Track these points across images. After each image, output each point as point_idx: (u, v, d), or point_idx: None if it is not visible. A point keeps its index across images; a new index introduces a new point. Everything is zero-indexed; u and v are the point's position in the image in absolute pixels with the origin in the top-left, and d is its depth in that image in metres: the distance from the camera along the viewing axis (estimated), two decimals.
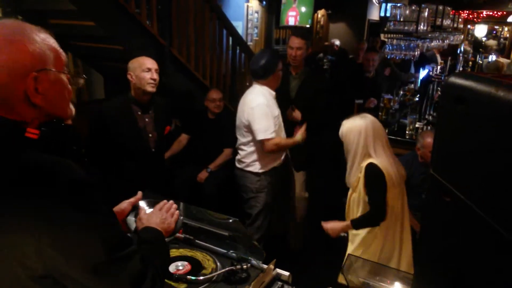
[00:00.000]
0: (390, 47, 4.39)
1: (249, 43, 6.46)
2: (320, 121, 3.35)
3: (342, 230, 2.45)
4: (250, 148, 2.87)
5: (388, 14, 8.92)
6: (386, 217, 2.27)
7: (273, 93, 2.88)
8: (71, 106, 1.05)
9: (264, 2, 7.23)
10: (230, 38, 4.69)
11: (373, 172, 2.23)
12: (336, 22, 9.70)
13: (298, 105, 3.27)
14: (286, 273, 1.74)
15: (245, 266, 1.73)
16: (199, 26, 4.19)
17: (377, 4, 8.58)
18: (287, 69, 3.37)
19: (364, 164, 2.27)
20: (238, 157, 3.00)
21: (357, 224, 2.35)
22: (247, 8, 6.84)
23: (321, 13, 9.31)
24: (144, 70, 2.53)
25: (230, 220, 2.06)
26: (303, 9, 8.18)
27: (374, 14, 10.16)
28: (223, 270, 1.70)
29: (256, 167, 2.89)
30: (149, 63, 2.57)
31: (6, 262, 0.89)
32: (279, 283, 1.70)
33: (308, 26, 8.65)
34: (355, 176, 2.34)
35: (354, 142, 2.28)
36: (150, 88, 2.56)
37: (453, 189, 0.69)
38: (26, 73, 0.90)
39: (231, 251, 1.87)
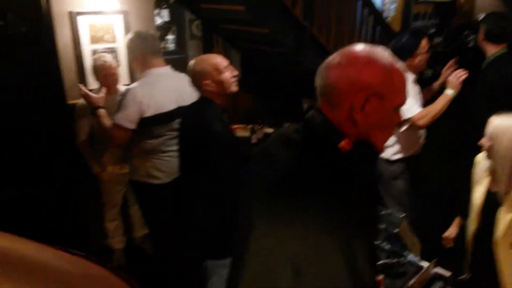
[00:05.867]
0: None
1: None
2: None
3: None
4: None
5: None
6: None
7: (413, 76, 2.71)
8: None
9: None
10: (371, 17, 4.49)
11: None
12: None
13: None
14: (447, 273, 1.67)
15: (401, 261, 1.70)
16: (341, 4, 4.09)
17: None
18: None
19: None
20: None
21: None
22: None
23: None
24: (223, 72, 2.08)
25: (387, 212, 2.03)
26: None
27: None
28: (379, 263, 1.69)
29: (387, 154, 2.76)
30: (222, 60, 2.12)
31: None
32: (440, 282, 1.64)
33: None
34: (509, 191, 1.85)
35: None
36: (235, 88, 2.11)
37: None
38: (362, 90, 0.97)
39: (385, 242, 1.85)
